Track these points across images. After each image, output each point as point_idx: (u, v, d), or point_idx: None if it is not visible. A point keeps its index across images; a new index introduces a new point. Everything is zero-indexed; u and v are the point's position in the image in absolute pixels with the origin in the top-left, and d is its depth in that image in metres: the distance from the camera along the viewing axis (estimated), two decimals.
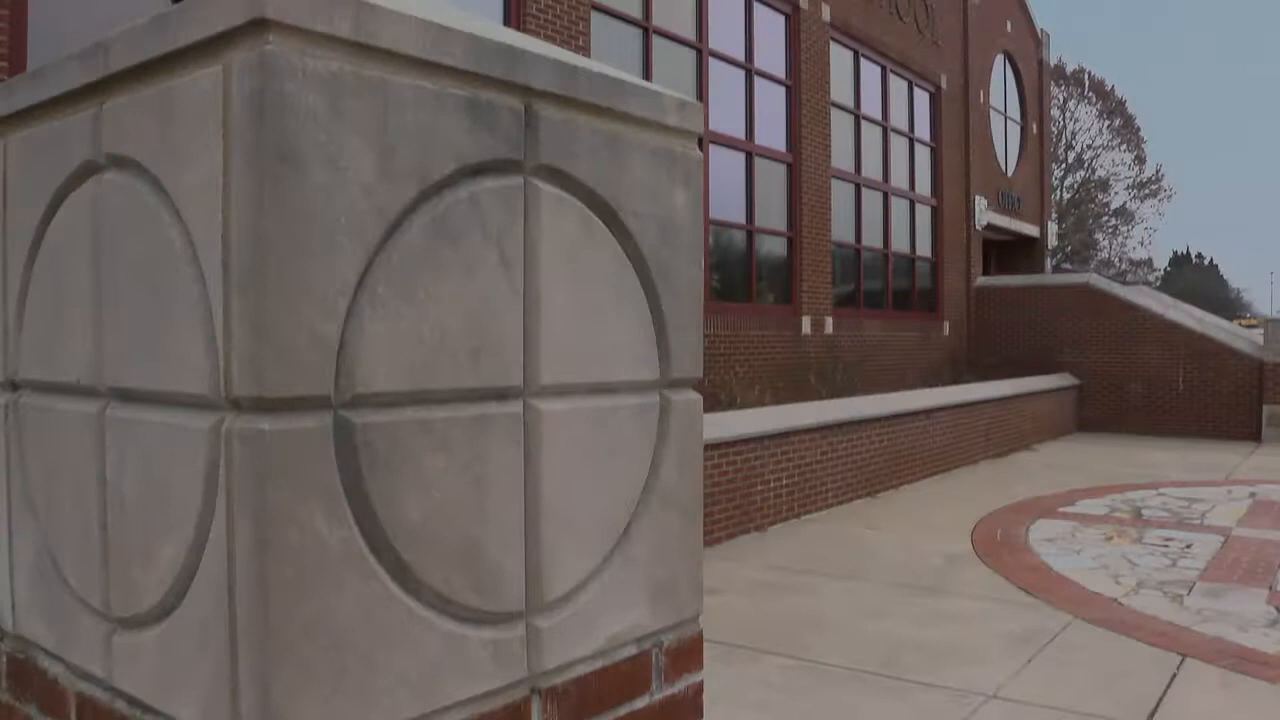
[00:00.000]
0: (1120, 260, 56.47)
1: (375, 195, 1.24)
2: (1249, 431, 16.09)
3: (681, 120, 1.67)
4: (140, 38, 1.38)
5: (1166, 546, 8.15)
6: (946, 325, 18.46)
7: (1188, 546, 8.13)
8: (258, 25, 1.17)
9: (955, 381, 15.82)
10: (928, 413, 11.72)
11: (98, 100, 1.50)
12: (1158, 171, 54.77)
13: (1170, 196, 56.13)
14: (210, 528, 1.24)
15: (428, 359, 1.30)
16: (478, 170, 1.35)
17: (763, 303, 13.45)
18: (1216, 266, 78.85)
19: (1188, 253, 77.27)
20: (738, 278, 13.03)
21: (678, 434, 1.67)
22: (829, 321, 14.56)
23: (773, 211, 13.73)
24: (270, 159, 1.16)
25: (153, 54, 1.35)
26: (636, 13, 11.25)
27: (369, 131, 1.24)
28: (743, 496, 8.43)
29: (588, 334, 1.51)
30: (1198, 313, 19.90)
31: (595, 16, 10.54)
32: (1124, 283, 36.07)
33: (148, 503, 1.36)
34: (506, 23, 9.56)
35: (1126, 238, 55.85)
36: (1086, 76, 51.75)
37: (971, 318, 19.30)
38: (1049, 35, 24.59)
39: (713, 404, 9.92)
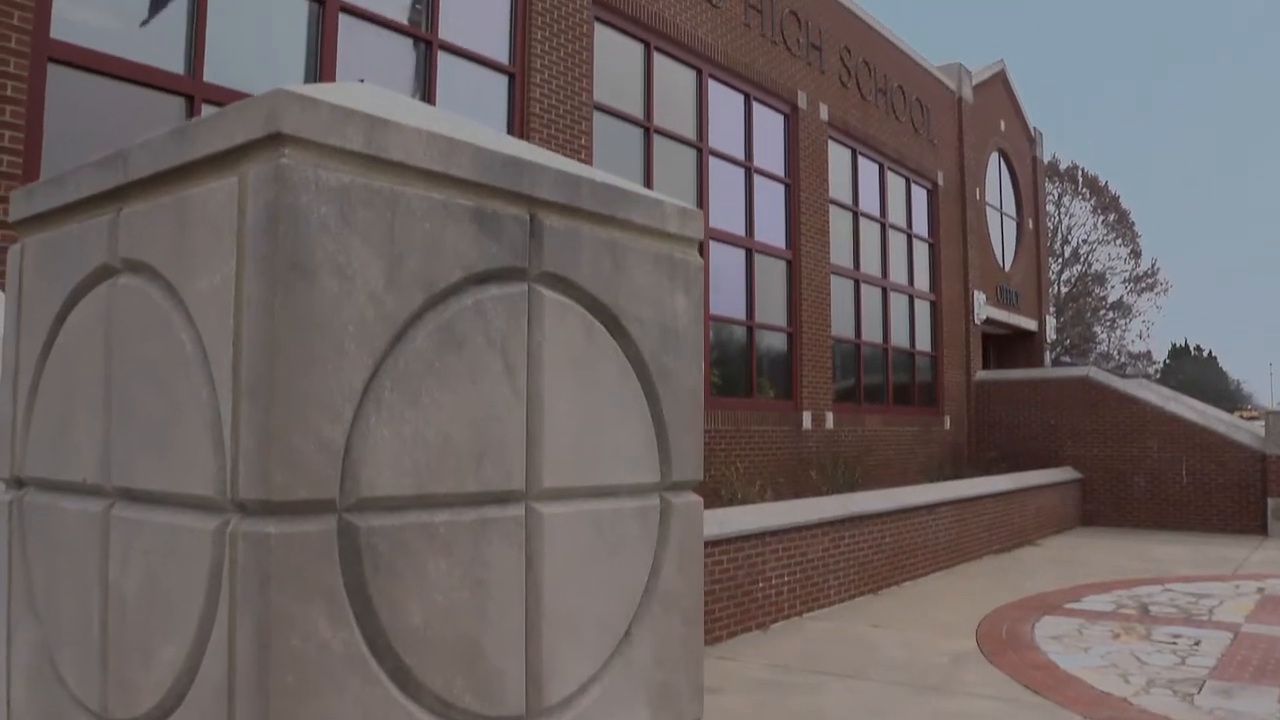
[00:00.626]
0: (1119, 353, 56.67)
1: (383, 303, 1.27)
2: (1255, 525, 15.96)
3: (682, 227, 1.71)
4: (160, 148, 1.43)
5: (1175, 643, 8.04)
6: (947, 419, 18.46)
7: (1196, 643, 8.01)
8: (274, 139, 1.21)
9: (957, 476, 15.75)
10: (930, 508, 11.65)
11: (116, 206, 1.54)
12: (1154, 265, 55.25)
13: (1167, 290, 56.51)
14: (211, 630, 1.24)
15: (431, 463, 1.32)
16: (483, 278, 1.39)
17: (763, 398, 13.48)
18: (1215, 358, 79.00)
19: (1186, 345, 77.52)
20: (738, 373, 13.08)
21: (678, 536, 1.68)
22: (830, 416, 14.57)
23: (773, 307, 13.84)
24: (282, 268, 1.19)
25: (171, 163, 1.39)
26: (638, 113, 11.50)
27: (378, 241, 1.27)
28: (744, 594, 8.34)
29: (589, 438, 1.52)
30: (1198, 405, 19.89)
31: (597, 116, 10.76)
32: (1123, 375, 36.15)
33: (149, 603, 1.37)
34: (510, 123, 9.77)
35: (1125, 331, 56.16)
36: (1080, 173, 52.56)
37: (972, 412, 19.30)
38: (1042, 133, 25.07)
39: (714, 500, 9.88)
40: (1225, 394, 69.45)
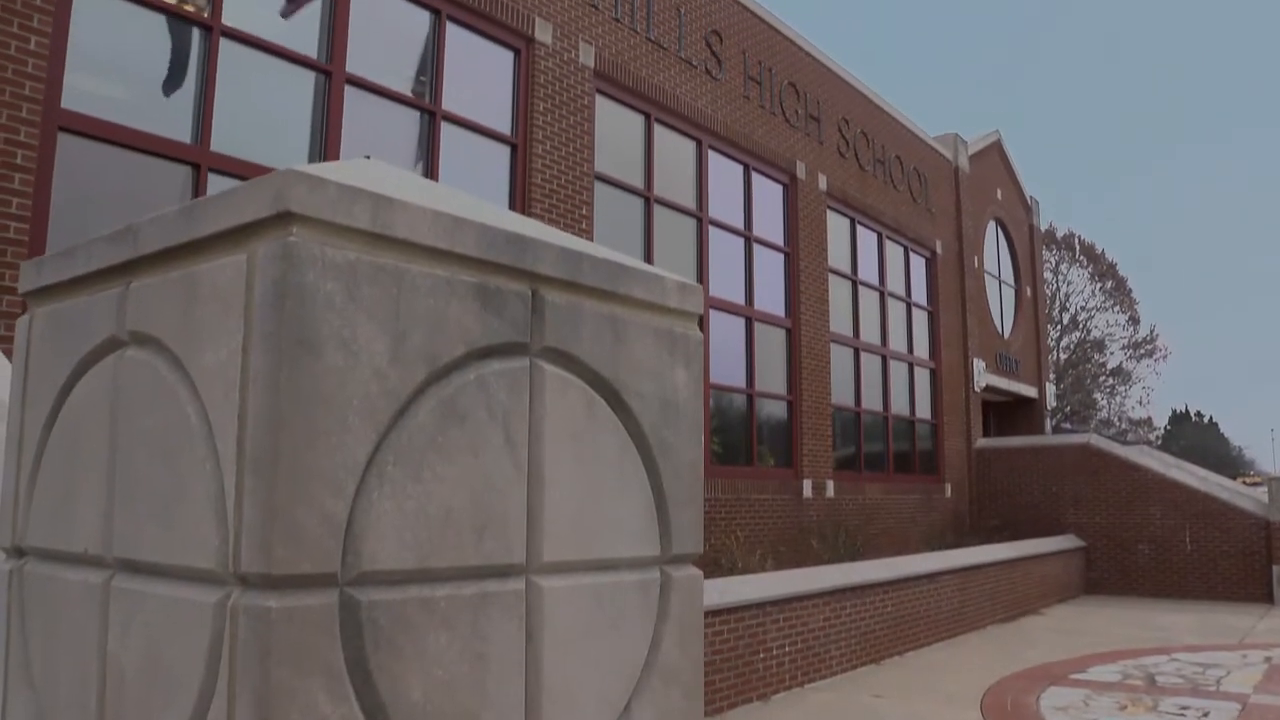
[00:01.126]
0: (1120, 419, 56.60)
1: (387, 378, 1.29)
2: (1260, 593, 15.82)
3: (682, 302, 1.74)
4: (170, 224, 1.46)
5: (1183, 715, 7.93)
6: (948, 487, 18.39)
7: (1205, 715, 7.90)
8: (283, 217, 1.24)
9: (959, 544, 15.65)
10: (932, 577, 11.56)
11: (125, 280, 1.57)
12: (1152, 332, 55.36)
13: (1166, 356, 56.57)
14: (211, 703, 1.24)
15: (433, 537, 1.33)
16: (486, 353, 1.41)
17: (764, 466, 13.45)
18: (1216, 424, 78.81)
19: (1187, 411, 77.41)
20: (739, 441, 13.07)
21: (678, 610, 1.68)
22: (830, 485, 14.52)
23: (773, 375, 13.87)
24: (289, 343, 1.21)
25: (181, 239, 1.42)
26: (638, 183, 11.64)
27: (383, 317, 1.29)
28: (745, 664, 8.25)
29: (590, 511, 1.53)
30: (1200, 472, 19.82)
31: (599, 186, 10.89)
32: (1124, 442, 36.05)
33: (148, 676, 1.36)
34: (513, 193, 9.88)
35: (1125, 397, 56.15)
36: (1077, 241, 52.96)
37: (973, 479, 19.23)
38: (1038, 202, 25.32)
39: (714, 569, 9.81)
40: (1227, 460, 69.18)
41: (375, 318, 1.29)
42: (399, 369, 1.31)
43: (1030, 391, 23.88)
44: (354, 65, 8.47)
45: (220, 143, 7.44)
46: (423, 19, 9.21)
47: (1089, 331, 53.82)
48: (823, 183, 15.21)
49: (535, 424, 1.48)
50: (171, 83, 7.31)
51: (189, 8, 7.38)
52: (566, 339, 1.53)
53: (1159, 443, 62.29)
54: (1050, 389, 25.79)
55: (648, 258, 11.51)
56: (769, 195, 14.28)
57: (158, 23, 7.26)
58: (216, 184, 7.38)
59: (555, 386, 1.51)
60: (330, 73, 8.28)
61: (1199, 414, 78.13)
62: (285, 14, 8.09)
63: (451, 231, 1.38)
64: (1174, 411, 74.75)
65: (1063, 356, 51.89)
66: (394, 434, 1.31)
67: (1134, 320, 54.45)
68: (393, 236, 1.32)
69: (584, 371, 1.56)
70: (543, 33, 10.19)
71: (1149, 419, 59.95)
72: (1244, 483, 33.60)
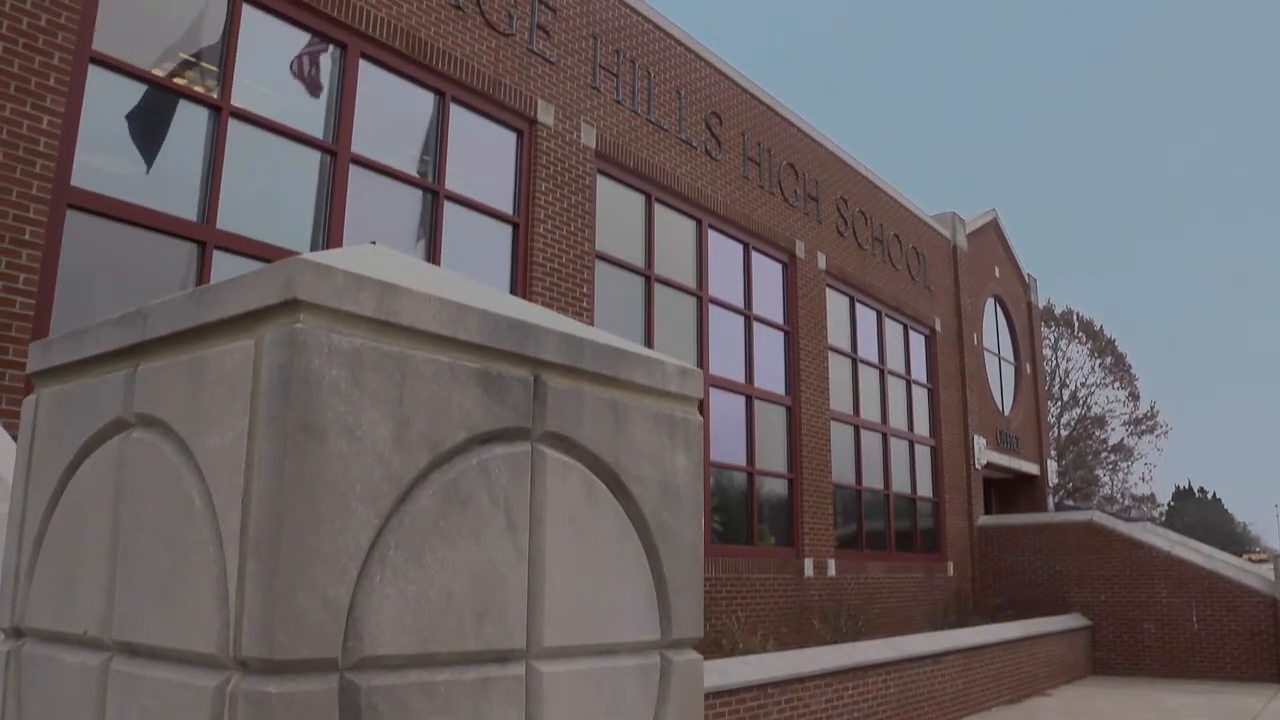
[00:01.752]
0: (1123, 496, 56.26)
1: (390, 463, 1.31)
2: (1269, 672, 15.60)
3: (682, 386, 1.76)
4: (179, 308, 1.48)
5: None
6: (950, 565, 18.24)
7: None
8: (290, 305, 1.27)
9: (962, 624, 15.47)
10: (935, 657, 11.42)
11: (133, 362, 1.59)
12: (1152, 408, 55.26)
13: (1167, 432, 56.40)
14: None
15: (433, 621, 1.33)
16: (488, 438, 1.43)
17: (764, 545, 13.36)
18: (1220, 501, 78.28)
19: (1190, 487, 76.95)
20: (739, 520, 13.00)
21: (679, 694, 1.67)
22: (831, 564, 14.40)
23: (773, 453, 13.85)
24: (294, 428, 1.23)
25: (190, 324, 1.45)
26: (639, 261, 11.74)
27: (387, 403, 1.31)
28: None
29: (590, 596, 1.54)
30: (1205, 549, 19.67)
31: (599, 265, 10.99)
32: (1128, 519, 35.81)
33: None
34: (514, 271, 9.97)
35: (1127, 474, 55.87)
36: (1075, 317, 53.16)
37: (975, 557, 19.08)
38: (1036, 279, 25.51)
39: (715, 650, 9.69)
40: (1232, 537, 68.57)
41: (379, 403, 1.31)
42: (402, 454, 1.33)
43: (1032, 468, 23.80)
44: (359, 145, 8.61)
45: (226, 220, 7.53)
46: (427, 100, 9.39)
47: (1089, 408, 53.75)
48: (822, 261, 15.35)
49: (536, 508, 1.49)
50: (170, 156, 7.42)
51: (199, 89, 7.52)
52: (568, 424, 1.55)
53: (1162, 519, 61.86)
54: (1052, 466, 25.71)
55: (648, 336, 11.57)
56: (768, 274, 14.39)
57: (169, 102, 7.40)
58: (221, 261, 7.46)
59: (556, 471, 1.52)
60: (335, 152, 8.41)
61: (1202, 490, 77.67)
62: (296, 72, 8.25)
63: (455, 318, 1.41)
64: (1177, 488, 74.35)
65: (1064, 433, 51.77)
66: (396, 518, 1.32)
67: (1134, 396, 54.40)
68: (397, 323, 1.34)
69: (585, 456, 1.57)
70: (545, 114, 10.37)
71: (1152, 495, 59.57)
72: (1249, 559, 33.28)
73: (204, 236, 7.37)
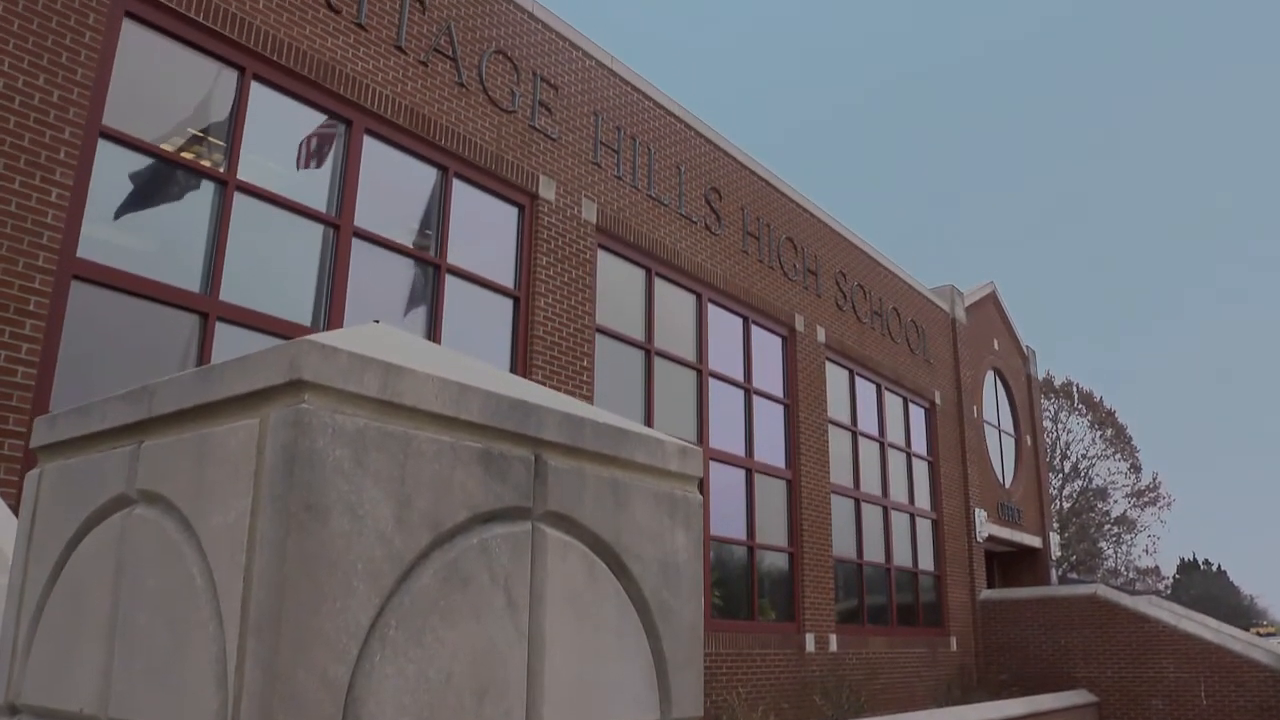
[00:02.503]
0: (1127, 569, 55.76)
1: (391, 543, 1.31)
2: None
3: (683, 465, 1.77)
4: (186, 386, 1.50)
5: None
6: (953, 640, 18.02)
7: None
8: (296, 385, 1.29)
9: (966, 700, 15.25)
10: None
11: (138, 438, 1.60)
12: (1154, 480, 55.01)
13: (1170, 504, 56.09)
14: None
15: (433, 701, 1.33)
16: (489, 517, 1.44)
17: (765, 620, 13.23)
18: (1225, 573, 77.45)
19: (1195, 559, 76.23)
20: (740, 594, 12.88)
21: None
22: (833, 639, 14.24)
23: (773, 527, 13.78)
24: (297, 508, 1.24)
25: (196, 401, 1.46)
26: (639, 335, 11.80)
27: (389, 482, 1.33)
28: None
29: (590, 675, 1.53)
30: (1212, 623, 19.46)
31: (599, 339, 11.04)
32: (1132, 592, 35.45)
33: None
34: (514, 344, 10.02)
35: (1131, 546, 55.42)
36: (1075, 389, 53.19)
37: (979, 632, 18.87)
38: (1035, 351, 25.58)
39: None
40: (1239, 610, 67.74)
41: (382, 483, 1.32)
42: (404, 533, 1.34)
43: (1034, 541, 23.64)
44: (362, 219, 8.71)
45: (229, 292, 7.59)
46: (430, 175, 9.52)
47: (1091, 480, 53.53)
48: (821, 335, 15.42)
49: (537, 587, 1.49)
50: (176, 228, 7.50)
51: (206, 163, 7.64)
52: (568, 503, 1.56)
53: (1168, 592, 61.24)
54: (1054, 538, 25.54)
55: (648, 410, 11.58)
56: (768, 347, 14.46)
57: (176, 176, 7.51)
58: (223, 333, 7.50)
59: (557, 550, 1.53)
60: (338, 226, 8.51)
61: (1207, 562, 76.97)
62: (304, 154, 8.37)
63: (457, 398, 1.43)
64: (1182, 560, 73.64)
65: (1066, 505, 51.50)
66: (397, 597, 1.32)
67: (1136, 468, 54.21)
68: (401, 403, 1.36)
69: (585, 535, 1.58)
70: (546, 189, 10.50)
71: (1156, 568, 59.08)
72: (1256, 633, 32.91)
73: (207, 308, 7.43)
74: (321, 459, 1.27)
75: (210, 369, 1.46)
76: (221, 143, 7.83)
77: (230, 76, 7.93)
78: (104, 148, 7.03)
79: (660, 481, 1.74)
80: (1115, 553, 55.72)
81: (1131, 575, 56.04)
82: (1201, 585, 69.04)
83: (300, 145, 8.45)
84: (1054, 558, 25.50)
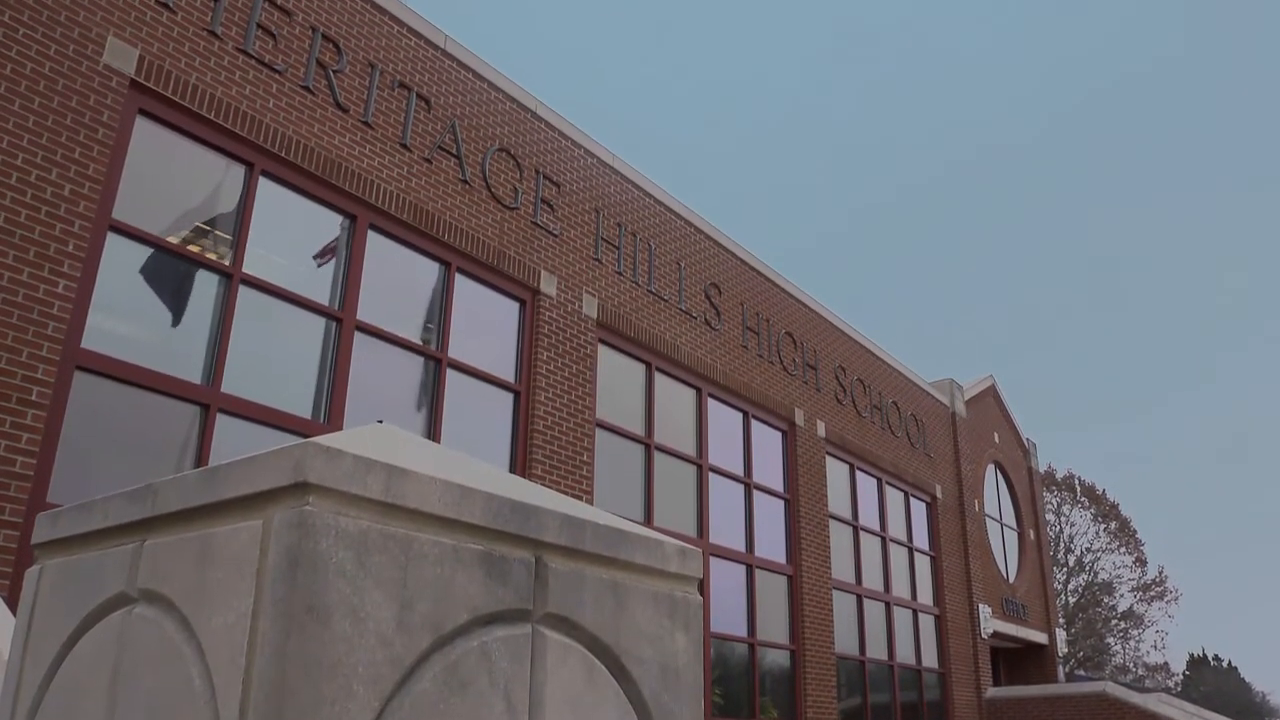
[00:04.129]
0: (1136, 665, 54.81)
1: (392, 645, 1.31)
2: None
3: (682, 566, 1.77)
4: (190, 486, 1.52)
5: None
6: None
7: None
8: (300, 487, 1.30)
9: None
10: None
11: (140, 537, 1.61)
12: (1160, 573, 54.42)
13: (1177, 598, 55.37)
14: None
15: None
16: (489, 620, 1.44)
17: (766, 718, 12.99)
18: (1237, 669, 76.04)
19: (1205, 655, 74.95)
20: (740, 692, 12.67)
21: None
22: None
23: (774, 623, 13.61)
24: (298, 610, 1.25)
25: (199, 502, 1.48)
26: (639, 429, 11.81)
27: (391, 584, 1.33)
28: None
29: None
30: None
31: (599, 433, 11.05)
32: (1142, 689, 34.79)
33: None
34: (515, 438, 10.02)
35: (1139, 641, 54.56)
36: (1077, 482, 52.91)
37: None
38: (1035, 444, 25.54)
39: None
40: (1251, 707, 66.37)
41: (383, 585, 1.33)
42: (404, 636, 1.34)
43: (1040, 637, 23.30)
44: (364, 312, 8.79)
45: (230, 384, 7.63)
46: (432, 270, 9.63)
47: (1096, 573, 52.96)
48: (821, 429, 15.43)
49: (536, 690, 1.49)
50: (180, 319, 7.56)
51: (212, 255, 7.74)
52: (569, 605, 1.56)
53: (1178, 689, 60.12)
54: (1060, 634, 25.17)
55: (648, 504, 11.54)
56: (768, 442, 14.45)
57: (182, 268, 7.60)
58: (224, 424, 7.51)
59: (556, 653, 1.53)
60: (341, 319, 8.58)
61: (1217, 658, 75.67)
62: (320, 261, 8.49)
63: (459, 500, 1.44)
64: (1191, 656, 72.42)
65: (1071, 599, 50.85)
66: (397, 700, 1.32)
67: (1141, 562, 53.67)
68: (403, 506, 1.38)
69: (585, 637, 1.58)
70: (548, 285, 10.62)
71: (1166, 664, 58.08)
72: None
73: (208, 399, 7.45)
74: (324, 561, 1.28)
75: (215, 469, 1.47)
76: (228, 236, 7.94)
77: (239, 171, 8.08)
78: (112, 240, 7.14)
79: (660, 583, 1.74)
80: (1123, 648, 54.85)
81: (1140, 672, 55.09)
82: (1212, 681, 67.79)
83: (315, 259, 8.58)
84: (1061, 654, 25.10)
